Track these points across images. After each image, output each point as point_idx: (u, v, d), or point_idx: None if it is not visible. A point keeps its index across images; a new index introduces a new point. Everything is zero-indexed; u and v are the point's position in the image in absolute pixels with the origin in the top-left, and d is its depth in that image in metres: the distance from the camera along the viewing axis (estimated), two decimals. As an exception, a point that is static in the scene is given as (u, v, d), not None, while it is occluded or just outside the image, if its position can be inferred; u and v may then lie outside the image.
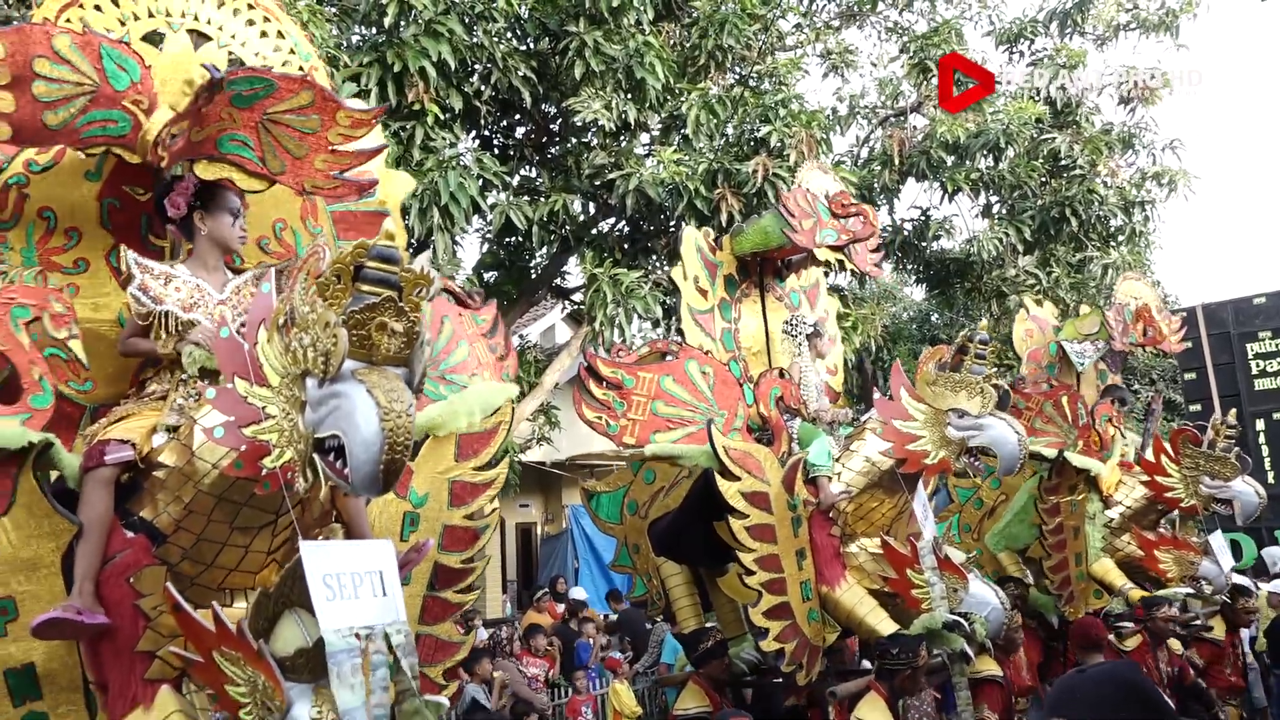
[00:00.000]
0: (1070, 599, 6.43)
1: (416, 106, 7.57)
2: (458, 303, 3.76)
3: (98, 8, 3.22)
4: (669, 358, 5.11)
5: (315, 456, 2.30)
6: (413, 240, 7.79)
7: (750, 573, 4.54)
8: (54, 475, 2.81)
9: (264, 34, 3.56)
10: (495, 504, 3.53)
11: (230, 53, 3.46)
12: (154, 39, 3.31)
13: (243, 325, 2.60)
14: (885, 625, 4.69)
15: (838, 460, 4.97)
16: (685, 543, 5.17)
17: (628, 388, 4.88)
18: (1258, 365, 12.61)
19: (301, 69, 3.51)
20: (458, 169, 7.39)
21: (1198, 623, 6.60)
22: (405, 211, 7.25)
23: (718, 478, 4.56)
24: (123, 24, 3.26)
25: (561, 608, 11.90)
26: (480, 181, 7.74)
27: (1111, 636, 6.27)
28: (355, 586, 2.42)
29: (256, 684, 2.41)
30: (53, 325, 2.82)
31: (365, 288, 2.28)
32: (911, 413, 4.66)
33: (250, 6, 3.54)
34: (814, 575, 4.83)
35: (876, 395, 5.02)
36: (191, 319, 2.97)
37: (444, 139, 7.75)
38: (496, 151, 9.30)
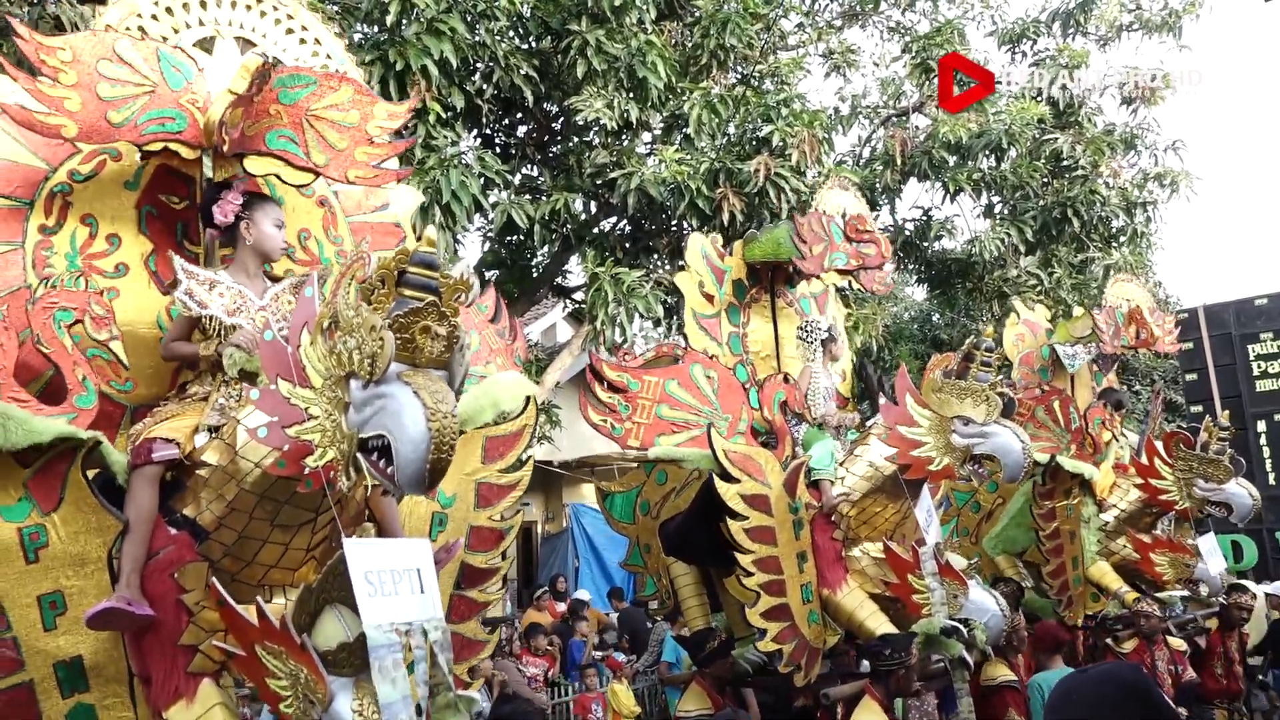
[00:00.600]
0: (1069, 603, 6.46)
1: (419, 105, 7.58)
2: None
3: (154, 17, 3.41)
4: (675, 362, 5.14)
5: (359, 456, 2.37)
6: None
7: (749, 574, 4.57)
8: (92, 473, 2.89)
9: (303, 41, 3.75)
10: (519, 505, 3.62)
11: (275, 57, 3.63)
12: (205, 46, 3.52)
13: (285, 329, 2.68)
14: (885, 629, 4.72)
15: (841, 464, 5.01)
16: (693, 543, 5.21)
17: (633, 391, 4.92)
18: (1259, 366, 12.60)
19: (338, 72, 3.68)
20: (459, 167, 7.40)
21: (1193, 623, 6.63)
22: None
23: (716, 480, 4.59)
24: (176, 31, 3.45)
25: (563, 607, 11.95)
26: (482, 180, 7.76)
27: (1109, 640, 6.31)
28: (395, 583, 2.51)
29: (299, 677, 2.48)
30: (94, 327, 2.94)
31: (408, 292, 2.36)
32: (917, 419, 4.66)
33: (290, 16, 3.72)
34: (815, 578, 4.86)
35: (882, 400, 5.03)
36: (235, 323, 3.08)
37: (446, 137, 7.77)
38: (498, 150, 9.31)
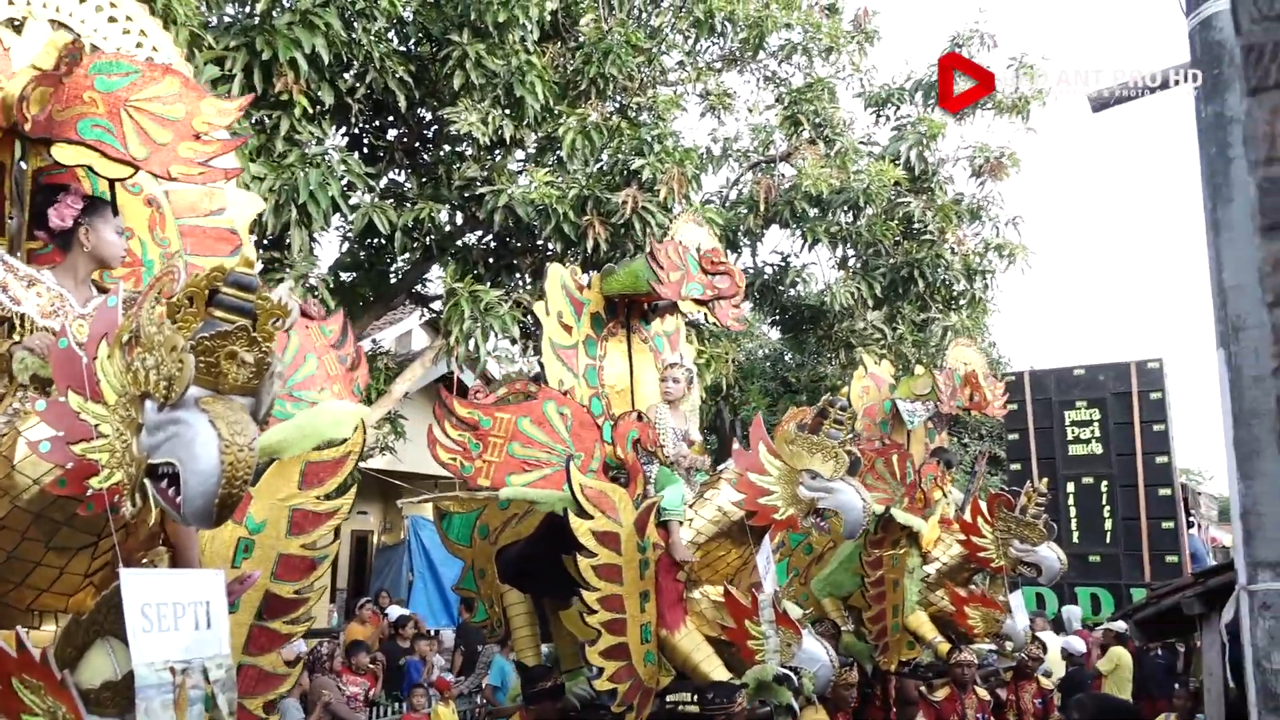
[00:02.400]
0: (885, 648, 6.73)
1: (284, 97, 7.31)
2: (301, 315, 3.66)
3: None
4: (529, 398, 5.09)
5: (147, 482, 2.20)
6: (267, 237, 7.51)
7: (592, 611, 4.54)
8: None
9: (126, 31, 3.49)
10: (335, 536, 3.45)
11: (92, 43, 3.37)
12: (16, 28, 3.23)
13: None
14: (718, 673, 4.75)
15: (690, 506, 5.05)
16: (533, 572, 5.14)
17: (484, 429, 4.82)
18: (1073, 432, 13.58)
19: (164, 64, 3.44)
20: (321, 167, 7.16)
21: (995, 675, 7.06)
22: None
23: (571, 515, 4.56)
24: None
25: (395, 614, 11.66)
26: (344, 182, 7.54)
27: (923, 687, 6.63)
28: (176, 618, 2.34)
29: (56, 715, 2.29)
30: None
31: (219, 313, 2.20)
32: (767, 468, 4.79)
33: (113, 4, 3.47)
34: (655, 618, 4.88)
35: (735, 445, 5.16)
36: (48, 326, 2.84)
37: (310, 133, 7.51)
38: (365, 151, 9.07)
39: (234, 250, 3.54)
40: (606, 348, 5.67)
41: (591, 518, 4.59)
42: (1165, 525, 12.81)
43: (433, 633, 11.48)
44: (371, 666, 9.11)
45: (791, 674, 4.65)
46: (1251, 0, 0.78)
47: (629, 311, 5.78)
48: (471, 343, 8.12)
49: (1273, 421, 2.43)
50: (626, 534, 4.72)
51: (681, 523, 4.92)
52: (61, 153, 2.95)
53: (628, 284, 5.56)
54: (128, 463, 2.23)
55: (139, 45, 3.49)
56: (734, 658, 4.87)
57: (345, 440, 3.40)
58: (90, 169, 3.04)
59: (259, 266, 8.06)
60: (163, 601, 2.31)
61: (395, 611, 12.11)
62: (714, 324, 6.91)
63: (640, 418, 5.30)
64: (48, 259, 3.08)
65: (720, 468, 5.46)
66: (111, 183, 3.14)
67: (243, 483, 2.14)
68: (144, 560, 2.73)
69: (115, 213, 3.12)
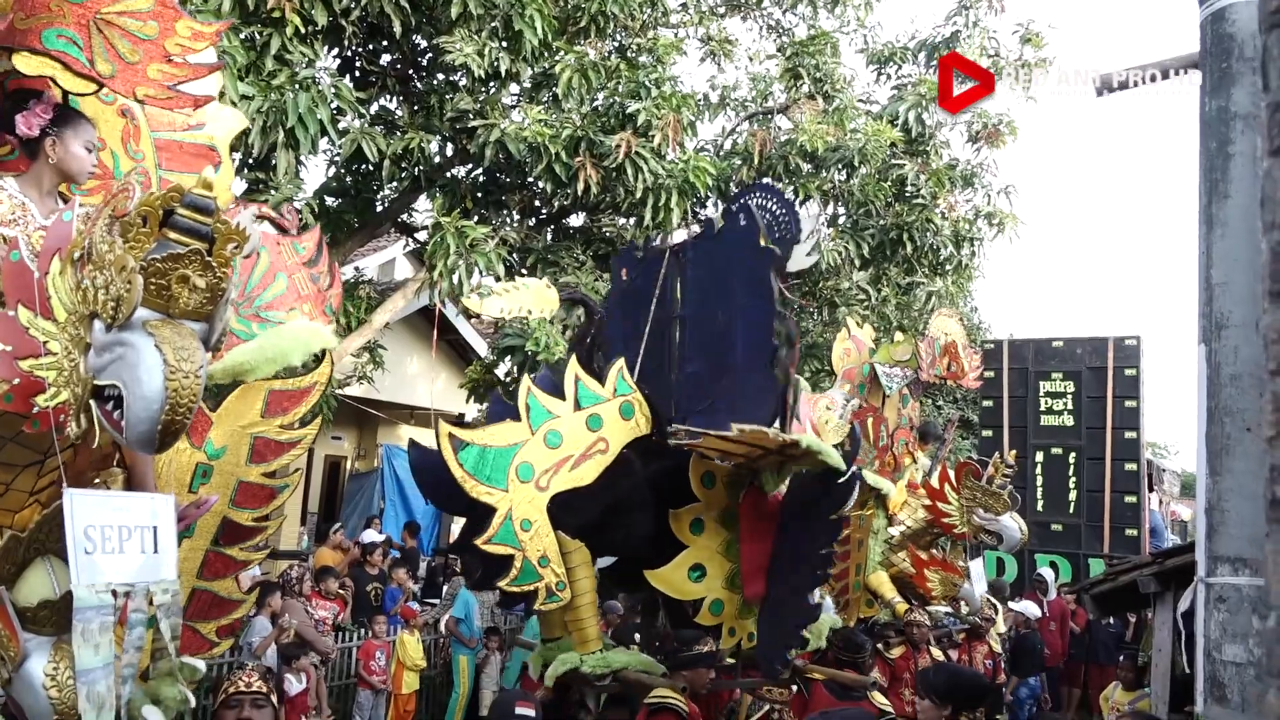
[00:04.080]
0: (845, 605, 6.87)
1: (276, 14, 7.12)
2: (275, 229, 3.54)
3: None
4: None
5: (92, 403, 2.17)
6: (252, 157, 7.38)
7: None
8: None
9: None
10: (299, 466, 3.42)
11: None
12: None
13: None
14: None
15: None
16: (623, 531, 4.74)
17: None
18: (1046, 402, 13.72)
19: None
20: (311, 90, 7.01)
21: (948, 636, 7.24)
22: (248, 127, 6.85)
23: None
24: None
25: (370, 537, 11.78)
26: (334, 106, 7.39)
27: (880, 645, 6.78)
28: (121, 541, 2.31)
29: None
30: None
31: (173, 235, 2.14)
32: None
33: None
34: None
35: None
36: (4, 234, 2.75)
37: (302, 54, 7.34)
38: (357, 75, 8.88)
39: (213, 167, 3.36)
40: None
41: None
42: (1128, 499, 13.04)
43: (399, 556, 11.59)
44: (341, 592, 9.20)
45: None
46: (1283, 56, 0.77)
47: None
48: (456, 277, 8.05)
49: (1245, 422, 2.46)
50: None
51: None
52: (23, 62, 2.85)
53: None
54: (74, 382, 2.20)
55: None
56: None
57: (312, 366, 3.35)
58: (53, 81, 2.92)
59: (242, 187, 7.95)
60: (107, 524, 2.29)
61: (369, 536, 12.22)
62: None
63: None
64: (13, 166, 2.97)
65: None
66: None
67: (187, 409, 2.10)
68: (96, 481, 2.70)
69: (87, 125, 3.00)
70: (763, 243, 4.60)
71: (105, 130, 3.23)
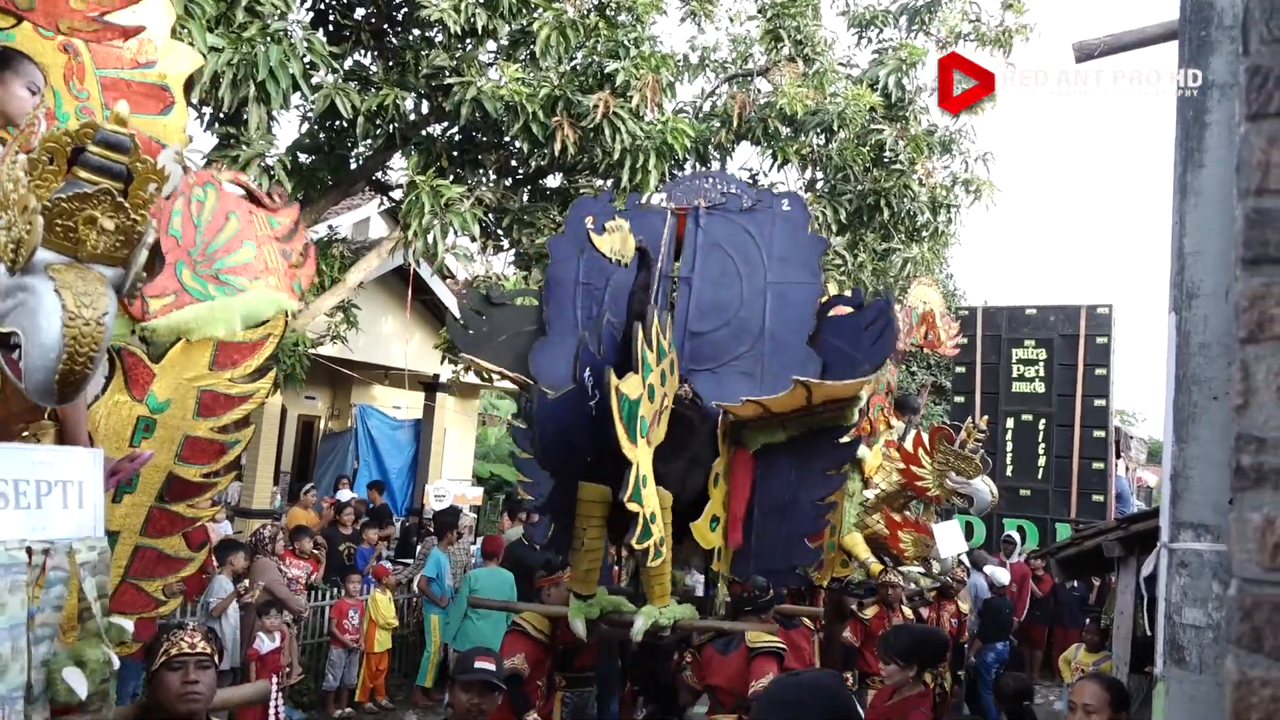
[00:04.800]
0: (821, 565, 6.96)
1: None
2: (253, 200, 3.42)
3: None
4: None
5: None
6: (223, 111, 7.23)
7: None
8: None
9: None
10: (251, 422, 3.33)
11: None
12: None
13: None
14: None
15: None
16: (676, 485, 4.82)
17: None
18: (1018, 370, 13.87)
19: None
20: (283, 43, 6.86)
21: (920, 596, 7.36)
22: (216, 79, 6.70)
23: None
24: None
25: (345, 496, 11.78)
26: (307, 61, 7.24)
27: (855, 606, 6.89)
28: (39, 495, 2.23)
29: None
30: None
31: (83, 173, 2.03)
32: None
33: None
34: None
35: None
36: None
37: (273, 6, 7.17)
38: (331, 29, 8.71)
39: (165, 108, 3.21)
40: None
41: None
42: (1096, 465, 13.25)
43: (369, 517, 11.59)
44: (315, 551, 9.21)
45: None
46: (1264, 21, 0.76)
47: None
48: (430, 237, 7.97)
49: (1212, 391, 2.49)
50: None
51: None
52: None
53: None
54: None
55: None
56: None
57: (265, 323, 3.22)
58: None
59: (213, 142, 7.80)
60: (23, 477, 2.20)
61: (344, 495, 12.21)
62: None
63: None
64: None
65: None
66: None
67: (87, 359, 2.02)
68: (25, 434, 2.58)
69: (30, 66, 2.82)
70: (810, 230, 5.19)
71: (45, 66, 3.01)
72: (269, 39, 6.85)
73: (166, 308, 2.94)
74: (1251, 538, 0.86)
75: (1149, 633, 4.52)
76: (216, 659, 2.92)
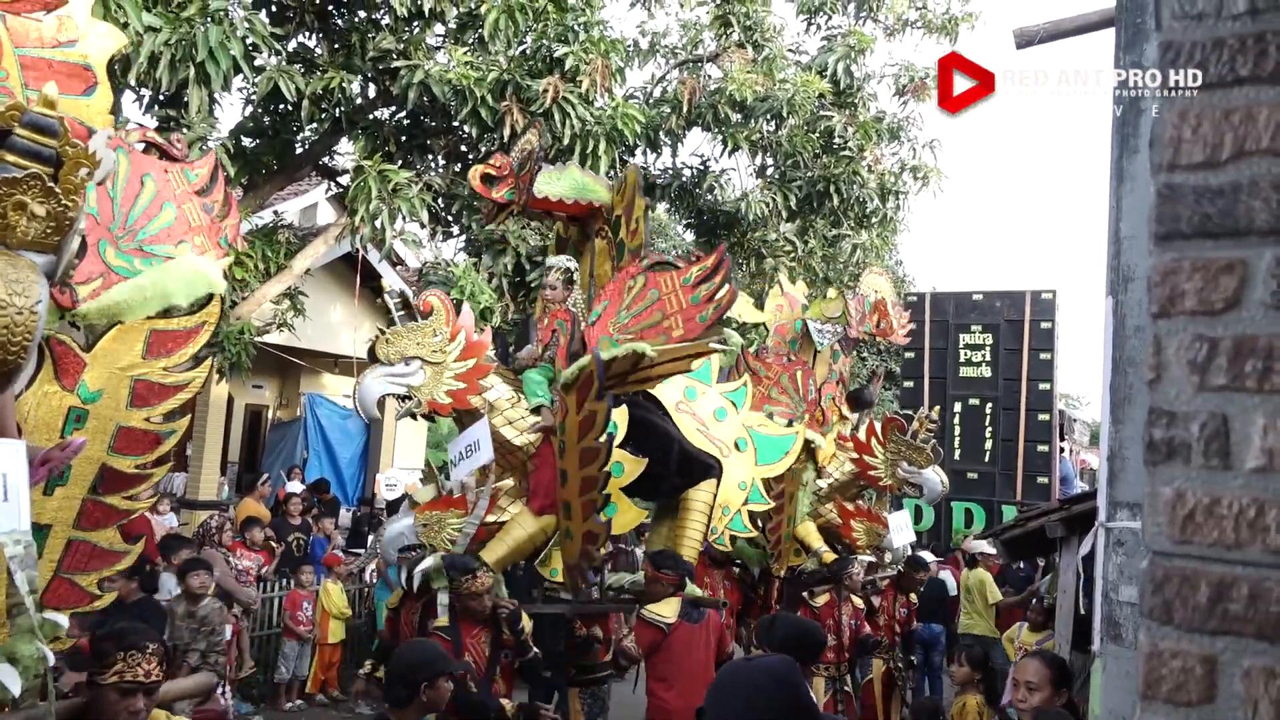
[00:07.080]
0: (779, 556, 7.04)
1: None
2: (162, 155, 3.30)
3: None
4: None
5: None
6: (162, 93, 7.06)
7: None
8: None
9: None
10: (188, 411, 3.25)
11: None
12: None
13: None
14: None
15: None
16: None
17: None
18: (965, 355, 14.06)
19: None
20: (223, 24, 6.71)
21: (871, 585, 7.43)
22: (154, 60, 6.54)
23: None
24: None
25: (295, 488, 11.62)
26: (248, 42, 7.09)
27: (806, 594, 6.94)
28: None
29: None
30: None
31: (10, 158, 2.00)
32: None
33: None
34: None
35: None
36: None
37: (214, -15, 7.01)
38: (273, 9, 8.53)
39: (88, 89, 3.08)
40: None
41: None
42: (1040, 448, 13.49)
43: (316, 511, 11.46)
44: (267, 543, 9.07)
45: None
46: (1174, -5, 0.76)
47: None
48: (378, 223, 7.87)
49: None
50: None
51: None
52: None
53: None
54: None
55: None
56: None
57: (199, 308, 3.15)
58: None
59: (152, 124, 7.61)
60: None
61: (294, 487, 12.05)
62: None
63: None
64: None
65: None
66: None
67: (21, 348, 1.99)
68: None
69: None
70: None
71: None
72: (208, 19, 6.70)
73: (95, 291, 2.86)
74: (1163, 511, 0.87)
75: (1085, 611, 4.61)
76: (165, 664, 2.85)
